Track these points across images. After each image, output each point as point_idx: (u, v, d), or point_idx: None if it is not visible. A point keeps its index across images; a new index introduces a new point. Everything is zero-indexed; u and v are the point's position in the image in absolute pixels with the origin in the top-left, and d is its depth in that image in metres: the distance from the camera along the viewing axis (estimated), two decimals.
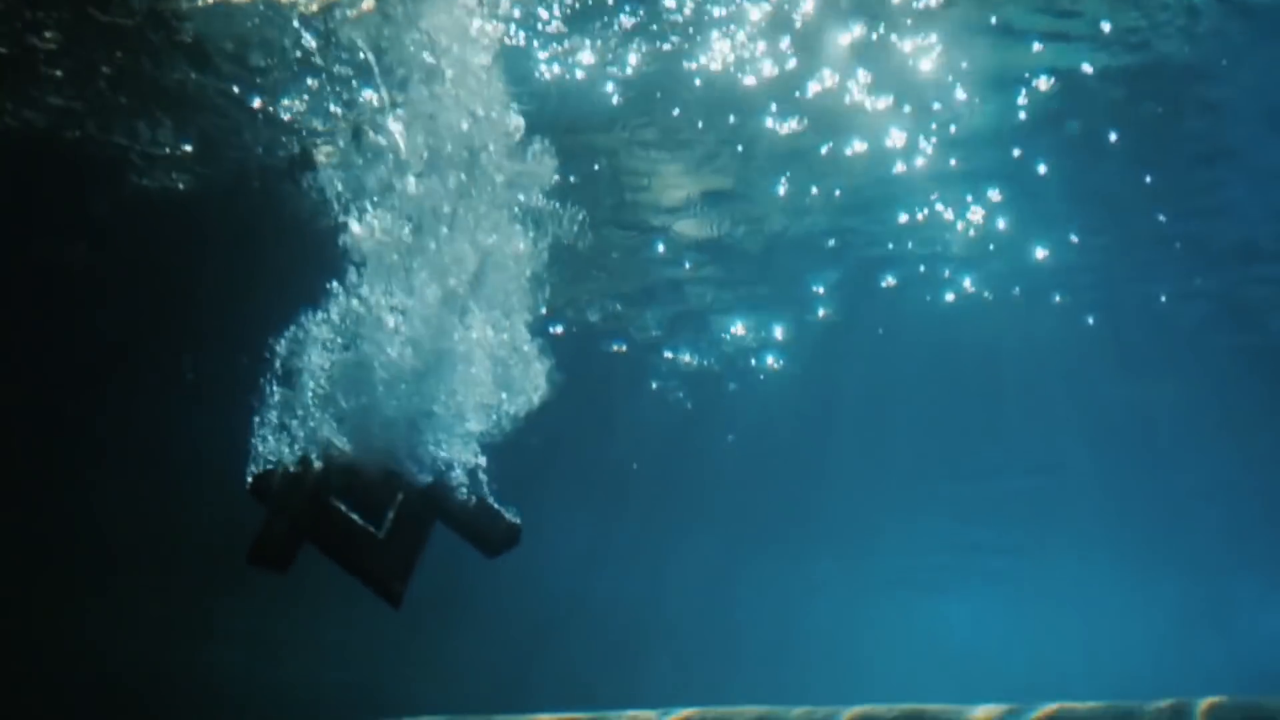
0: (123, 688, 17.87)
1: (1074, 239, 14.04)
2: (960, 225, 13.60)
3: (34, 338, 15.23)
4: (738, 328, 16.43)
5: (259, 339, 7.30)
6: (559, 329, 15.29)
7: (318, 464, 5.94)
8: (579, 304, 15.44)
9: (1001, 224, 13.58)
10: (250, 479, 5.96)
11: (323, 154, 11.64)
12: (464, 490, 6.24)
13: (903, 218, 13.49)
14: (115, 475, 18.50)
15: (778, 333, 16.48)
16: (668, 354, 17.24)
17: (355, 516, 6.00)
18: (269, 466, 6.05)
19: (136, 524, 18.94)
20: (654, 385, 18.13)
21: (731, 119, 11.82)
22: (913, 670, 33.67)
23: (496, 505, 6.21)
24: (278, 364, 6.92)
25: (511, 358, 7.25)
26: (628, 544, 26.78)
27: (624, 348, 16.88)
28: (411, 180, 7.89)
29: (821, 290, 15.28)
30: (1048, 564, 30.02)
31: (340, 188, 7.79)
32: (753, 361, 17.27)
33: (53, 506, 18.13)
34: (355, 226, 7.75)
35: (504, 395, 7.03)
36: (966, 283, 14.82)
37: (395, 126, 8.22)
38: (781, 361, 17.19)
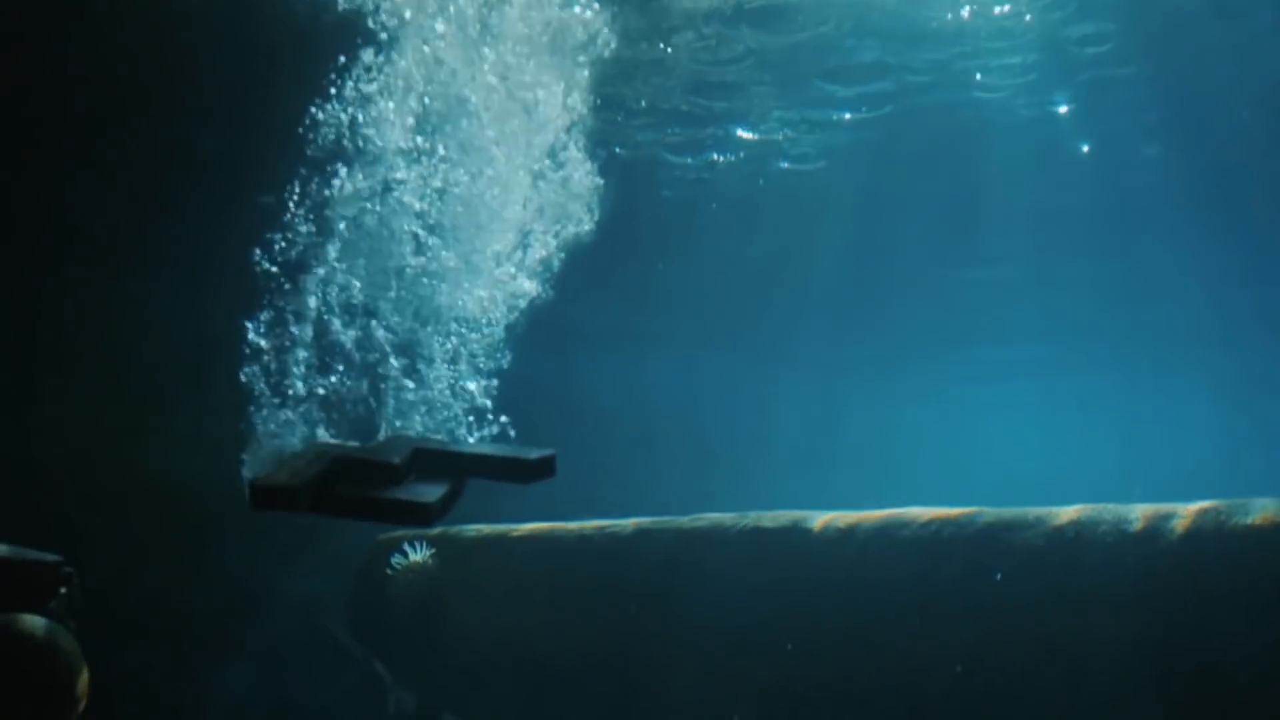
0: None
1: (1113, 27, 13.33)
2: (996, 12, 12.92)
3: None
4: (762, 128, 15.95)
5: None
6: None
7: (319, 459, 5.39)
8: (599, 99, 14.90)
9: (1029, 16, 12.91)
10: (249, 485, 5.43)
11: None
12: (482, 446, 5.62)
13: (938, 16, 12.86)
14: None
15: (806, 131, 16.03)
16: (679, 159, 16.92)
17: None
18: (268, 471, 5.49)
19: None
20: (670, 188, 17.85)
21: None
22: (955, 481, 34.59)
23: (520, 446, 5.65)
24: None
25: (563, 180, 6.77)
26: (661, 350, 26.87)
27: (644, 148, 16.44)
28: None
29: (849, 90, 14.86)
30: (1087, 370, 30.14)
31: None
32: (778, 163, 16.90)
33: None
34: None
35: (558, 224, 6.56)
36: (1001, 75, 14.30)
37: None
38: (810, 161, 16.84)
